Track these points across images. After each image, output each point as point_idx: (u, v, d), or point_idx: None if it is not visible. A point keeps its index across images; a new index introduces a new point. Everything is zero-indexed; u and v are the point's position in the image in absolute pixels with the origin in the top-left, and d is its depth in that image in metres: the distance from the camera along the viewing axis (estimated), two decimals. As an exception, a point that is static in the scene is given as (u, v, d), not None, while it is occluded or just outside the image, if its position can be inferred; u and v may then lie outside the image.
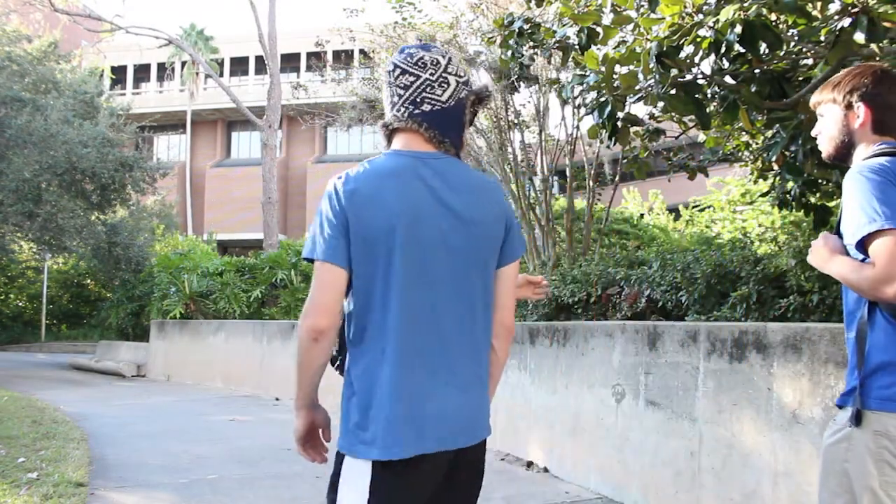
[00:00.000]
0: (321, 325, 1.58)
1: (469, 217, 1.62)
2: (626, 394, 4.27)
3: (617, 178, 8.44)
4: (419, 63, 1.65)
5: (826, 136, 1.94)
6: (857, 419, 1.71)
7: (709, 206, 17.14)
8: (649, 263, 5.26)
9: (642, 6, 3.42)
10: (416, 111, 1.65)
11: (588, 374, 4.62)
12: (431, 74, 1.65)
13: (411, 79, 1.65)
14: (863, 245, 1.68)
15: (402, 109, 1.66)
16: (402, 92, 1.66)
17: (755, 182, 6.48)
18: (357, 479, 1.57)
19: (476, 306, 1.63)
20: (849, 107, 1.88)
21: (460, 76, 1.68)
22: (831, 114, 1.92)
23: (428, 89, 1.65)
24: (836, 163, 1.97)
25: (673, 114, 4.01)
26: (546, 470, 4.99)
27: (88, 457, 5.25)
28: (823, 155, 1.98)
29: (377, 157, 1.67)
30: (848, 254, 1.78)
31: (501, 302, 1.70)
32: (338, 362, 2.40)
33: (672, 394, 3.92)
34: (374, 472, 1.55)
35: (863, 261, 1.71)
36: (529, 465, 5.14)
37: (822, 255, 1.84)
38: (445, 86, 1.66)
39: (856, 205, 1.69)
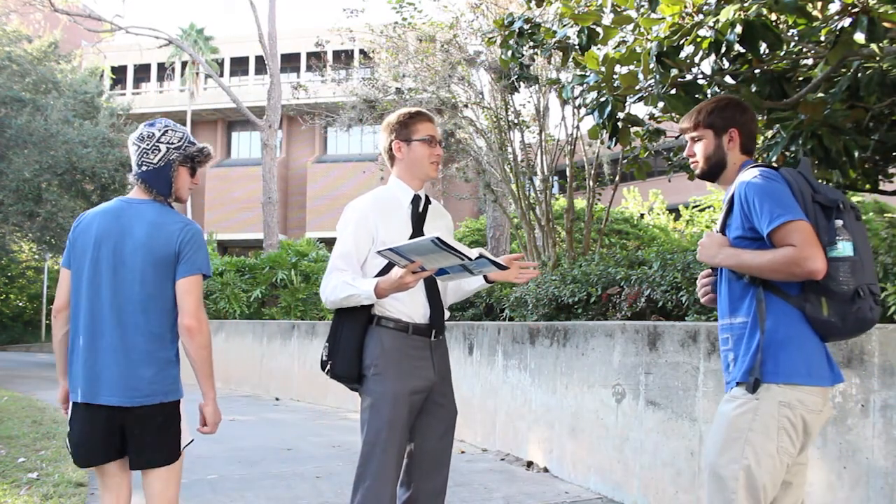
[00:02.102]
0: (54, 307, 2.45)
1: (146, 244, 2.33)
2: (626, 394, 4.27)
3: (617, 178, 8.44)
4: (139, 137, 2.41)
5: (703, 156, 2.28)
6: (754, 388, 1.98)
7: (709, 206, 17.15)
8: (649, 263, 5.26)
9: (642, 6, 3.41)
10: (138, 171, 2.40)
11: (588, 374, 4.62)
12: (147, 145, 2.39)
13: (134, 148, 2.41)
14: (770, 236, 1.99)
15: (133, 168, 2.43)
16: (133, 157, 2.42)
17: (755, 182, 6.45)
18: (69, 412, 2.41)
19: (134, 307, 2.31)
20: (723, 132, 2.24)
21: (173, 143, 2.40)
22: (707, 138, 2.27)
23: (144, 155, 2.39)
24: (707, 179, 2.31)
25: (673, 114, 4.00)
26: (546, 470, 4.99)
27: (88, 457, 5.25)
28: (697, 172, 2.33)
29: (110, 201, 2.50)
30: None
31: (180, 307, 2.34)
32: (327, 367, 2.55)
33: (672, 394, 3.92)
34: (73, 409, 2.37)
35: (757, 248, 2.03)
36: (529, 465, 5.14)
37: (710, 251, 2.15)
38: (157, 152, 2.39)
39: (764, 202, 2.00)
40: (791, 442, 2.00)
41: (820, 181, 2.10)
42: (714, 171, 2.27)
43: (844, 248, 1.96)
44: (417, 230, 2.62)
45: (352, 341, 2.54)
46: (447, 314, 2.73)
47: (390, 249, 2.31)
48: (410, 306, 2.56)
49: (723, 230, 2.17)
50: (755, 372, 1.99)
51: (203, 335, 2.35)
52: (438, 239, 2.20)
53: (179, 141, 2.41)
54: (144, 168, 2.39)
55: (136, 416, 2.31)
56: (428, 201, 2.71)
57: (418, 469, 2.61)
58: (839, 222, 1.98)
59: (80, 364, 2.32)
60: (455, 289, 2.79)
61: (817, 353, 2.03)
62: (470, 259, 2.31)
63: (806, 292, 2.00)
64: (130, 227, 2.34)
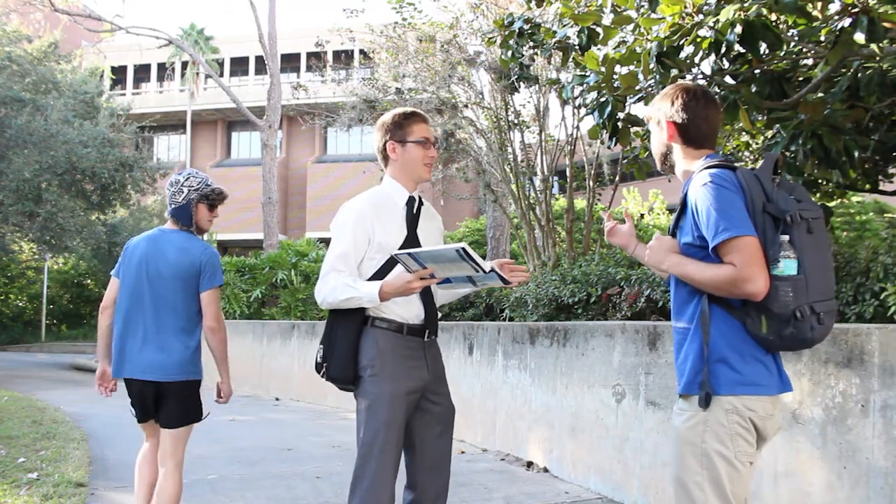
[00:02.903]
0: (102, 304, 3.28)
1: (176, 263, 3.13)
2: (626, 394, 4.27)
3: (617, 178, 8.44)
4: (170, 183, 3.20)
5: (652, 148, 2.23)
6: (706, 402, 1.94)
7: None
8: (649, 263, 5.25)
9: (642, 6, 3.41)
10: (169, 208, 3.20)
11: (588, 374, 4.62)
12: (174, 189, 3.17)
13: (167, 192, 3.20)
14: (715, 250, 1.92)
15: (168, 206, 3.20)
16: (167, 199, 3.19)
17: (755, 182, 6.43)
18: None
19: (167, 309, 3.11)
20: (658, 123, 2.16)
21: (192, 186, 3.17)
22: (652, 129, 2.21)
23: (173, 197, 3.17)
24: (666, 171, 2.21)
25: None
26: (546, 470, 4.99)
27: (88, 457, 5.25)
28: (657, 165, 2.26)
29: (152, 230, 3.28)
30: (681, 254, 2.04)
31: (204, 313, 3.17)
32: (322, 369, 2.55)
33: (672, 394, 3.91)
34: (127, 383, 3.17)
35: (702, 259, 1.97)
36: (529, 465, 5.14)
37: (658, 256, 2.08)
38: (181, 194, 3.16)
39: (711, 213, 1.91)
40: (747, 443, 1.96)
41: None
42: (664, 164, 2.19)
43: (787, 266, 1.87)
44: (411, 232, 2.61)
45: (347, 343, 2.53)
46: (439, 314, 2.73)
47: (408, 254, 2.29)
48: (405, 307, 2.55)
49: (674, 232, 2.10)
50: (706, 386, 1.94)
51: (222, 332, 3.21)
52: (463, 249, 2.19)
53: (199, 184, 3.18)
54: (173, 206, 3.17)
55: (167, 389, 3.10)
56: (421, 203, 2.70)
57: (420, 470, 2.61)
58: (785, 237, 1.88)
59: (126, 349, 3.10)
60: (445, 290, 2.78)
61: (762, 363, 1.97)
62: (484, 272, 2.30)
63: (747, 307, 1.94)
64: (164, 251, 3.14)
